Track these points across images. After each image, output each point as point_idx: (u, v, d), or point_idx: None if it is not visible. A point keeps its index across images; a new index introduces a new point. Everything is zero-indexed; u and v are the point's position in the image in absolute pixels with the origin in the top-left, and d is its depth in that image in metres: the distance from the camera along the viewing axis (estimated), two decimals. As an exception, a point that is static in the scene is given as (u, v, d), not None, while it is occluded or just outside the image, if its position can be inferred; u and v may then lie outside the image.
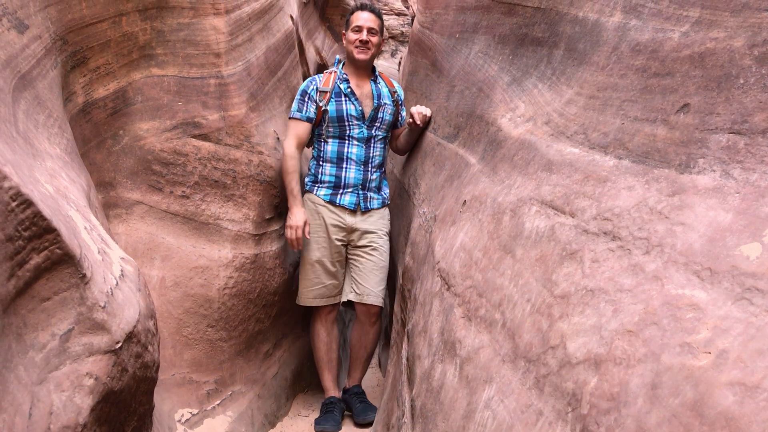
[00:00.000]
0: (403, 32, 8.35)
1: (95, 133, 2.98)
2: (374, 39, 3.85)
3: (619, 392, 1.12)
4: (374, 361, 4.99)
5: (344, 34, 3.95)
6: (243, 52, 3.54)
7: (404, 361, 2.49)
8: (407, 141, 3.94)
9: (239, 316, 3.42)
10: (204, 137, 3.31)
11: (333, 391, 3.89)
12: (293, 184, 3.70)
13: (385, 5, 8.34)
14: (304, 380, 4.01)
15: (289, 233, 3.68)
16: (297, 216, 3.67)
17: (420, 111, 3.67)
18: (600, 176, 1.57)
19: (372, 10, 3.92)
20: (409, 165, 3.85)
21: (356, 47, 3.82)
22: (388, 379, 3.19)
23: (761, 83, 1.28)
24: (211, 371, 3.29)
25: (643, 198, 1.40)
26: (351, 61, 3.89)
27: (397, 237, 3.84)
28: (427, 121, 3.68)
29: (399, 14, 8.46)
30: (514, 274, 1.69)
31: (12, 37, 2.12)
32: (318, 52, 5.40)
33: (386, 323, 4.54)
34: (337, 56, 4.09)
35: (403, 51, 7.69)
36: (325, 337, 3.91)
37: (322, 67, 5.46)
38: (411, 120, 3.69)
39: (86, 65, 2.86)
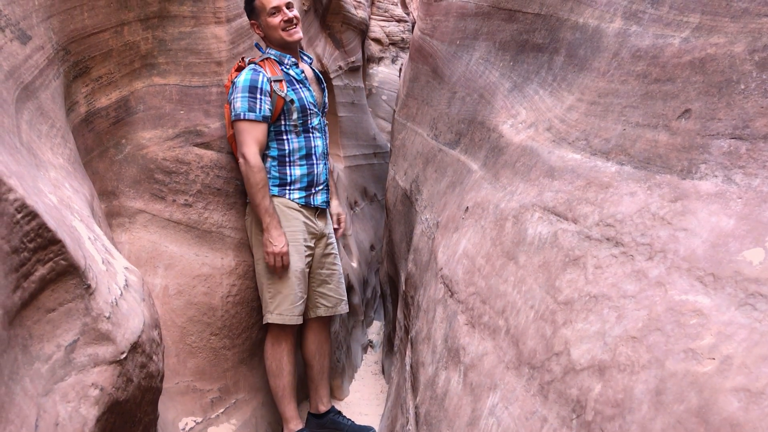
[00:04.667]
0: (403, 38, 8.37)
1: (98, 143, 2.99)
2: (296, 13, 3.39)
3: (624, 398, 1.12)
4: (377, 367, 4.98)
5: (255, 24, 3.42)
6: (244, 61, 3.55)
7: (408, 368, 2.49)
8: None
9: (242, 323, 3.42)
10: (206, 145, 3.32)
11: (300, 422, 3.45)
12: (268, 202, 3.23)
13: (386, 12, 8.36)
14: (307, 388, 3.99)
15: (273, 260, 3.23)
16: (280, 240, 3.23)
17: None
18: (602, 182, 1.58)
19: None
20: (411, 171, 3.85)
21: (284, 30, 3.33)
22: (391, 386, 3.19)
23: (762, 88, 1.29)
24: (215, 379, 3.29)
25: (646, 204, 1.40)
26: (283, 47, 3.40)
27: (400, 243, 3.84)
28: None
29: (399, 21, 8.48)
30: (517, 281, 1.70)
31: (15, 47, 2.13)
32: (319, 59, 5.41)
33: (389, 329, 4.54)
34: (255, 42, 3.59)
35: (404, 57, 7.71)
36: (293, 359, 3.46)
37: (322, 75, 5.47)
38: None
39: (88, 75, 2.87)
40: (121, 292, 1.55)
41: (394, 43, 8.38)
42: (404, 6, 8.57)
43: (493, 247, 1.94)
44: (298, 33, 3.39)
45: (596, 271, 1.41)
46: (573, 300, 1.42)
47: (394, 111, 5.02)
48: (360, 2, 6.68)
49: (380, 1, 8.33)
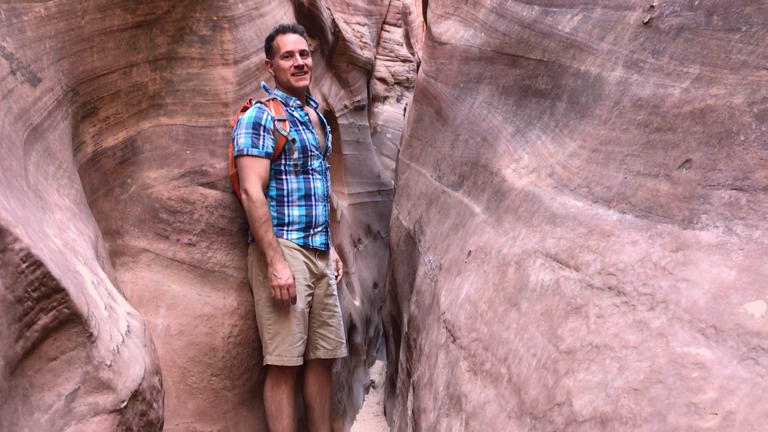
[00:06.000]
0: (408, 78, 8.46)
1: (104, 182, 3.01)
2: (308, 61, 3.49)
3: (626, 453, 1.11)
4: (379, 408, 4.94)
5: (268, 63, 3.53)
6: (251, 102, 3.60)
7: (409, 413, 2.46)
8: None
9: (244, 364, 3.40)
10: (211, 185, 3.34)
11: None
12: (271, 235, 3.25)
13: (391, 52, 8.47)
14: (307, 430, 3.96)
15: (280, 293, 3.23)
16: (285, 272, 3.23)
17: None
18: (604, 230, 1.58)
19: (295, 30, 3.49)
20: (414, 211, 3.86)
21: (293, 75, 3.43)
22: (393, 430, 3.16)
23: (761, 140, 1.30)
24: (215, 421, 3.25)
25: (647, 253, 1.40)
26: (289, 90, 3.50)
27: (403, 283, 3.83)
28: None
29: (404, 61, 8.59)
30: (519, 328, 1.69)
31: (25, 90, 2.16)
32: (325, 99, 5.47)
33: (392, 370, 4.50)
34: (263, 82, 3.68)
35: (409, 97, 7.79)
36: (293, 401, 3.44)
37: (328, 114, 5.52)
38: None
39: (96, 115, 2.90)
40: (123, 339, 1.54)
41: (399, 83, 8.47)
42: (409, 46, 8.68)
43: (495, 292, 1.94)
44: (304, 80, 3.47)
45: (598, 320, 1.41)
46: (575, 349, 1.41)
47: (399, 150, 5.06)
48: (366, 43, 6.78)
49: (386, 42, 8.44)
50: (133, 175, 3.15)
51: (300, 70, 3.44)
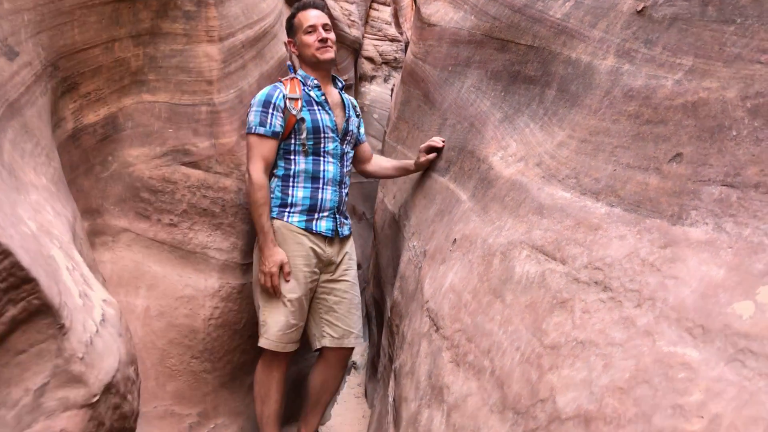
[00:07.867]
0: (396, 58, 8.38)
1: (84, 159, 2.95)
2: (331, 35, 3.46)
3: (609, 454, 1.10)
4: (360, 390, 4.94)
5: (291, 42, 3.54)
6: (236, 80, 3.54)
7: (390, 400, 2.45)
8: (392, 174, 3.64)
9: (224, 347, 3.37)
10: (194, 165, 3.29)
11: None
12: (265, 220, 3.19)
13: (379, 31, 8.38)
14: (287, 413, 3.95)
15: (266, 280, 3.17)
16: (274, 258, 3.17)
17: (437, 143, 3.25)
18: (591, 223, 1.56)
19: (316, 6, 3.49)
20: (400, 195, 3.83)
21: (317, 48, 3.40)
22: (374, 414, 3.15)
23: (754, 136, 1.28)
24: (195, 403, 3.23)
25: (635, 248, 1.38)
26: (314, 66, 3.46)
27: (386, 267, 3.81)
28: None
29: (393, 40, 8.50)
30: (503, 320, 1.67)
31: (1, 64, 2.10)
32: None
33: (374, 352, 4.49)
34: (288, 63, 3.67)
35: (396, 77, 7.72)
36: (282, 387, 3.37)
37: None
38: (428, 152, 3.21)
39: (77, 91, 2.83)
40: (97, 329, 1.50)
41: (386, 63, 8.39)
42: (398, 26, 8.59)
43: (480, 283, 1.91)
44: (329, 53, 3.43)
45: (584, 315, 1.39)
46: (560, 344, 1.39)
47: (385, 131, 5.01)
48: (354, 21, 6.70)
49: (374, 20, 8.35)
50: (114, 152, 3.09)
51: (324, 43, 3.41)
